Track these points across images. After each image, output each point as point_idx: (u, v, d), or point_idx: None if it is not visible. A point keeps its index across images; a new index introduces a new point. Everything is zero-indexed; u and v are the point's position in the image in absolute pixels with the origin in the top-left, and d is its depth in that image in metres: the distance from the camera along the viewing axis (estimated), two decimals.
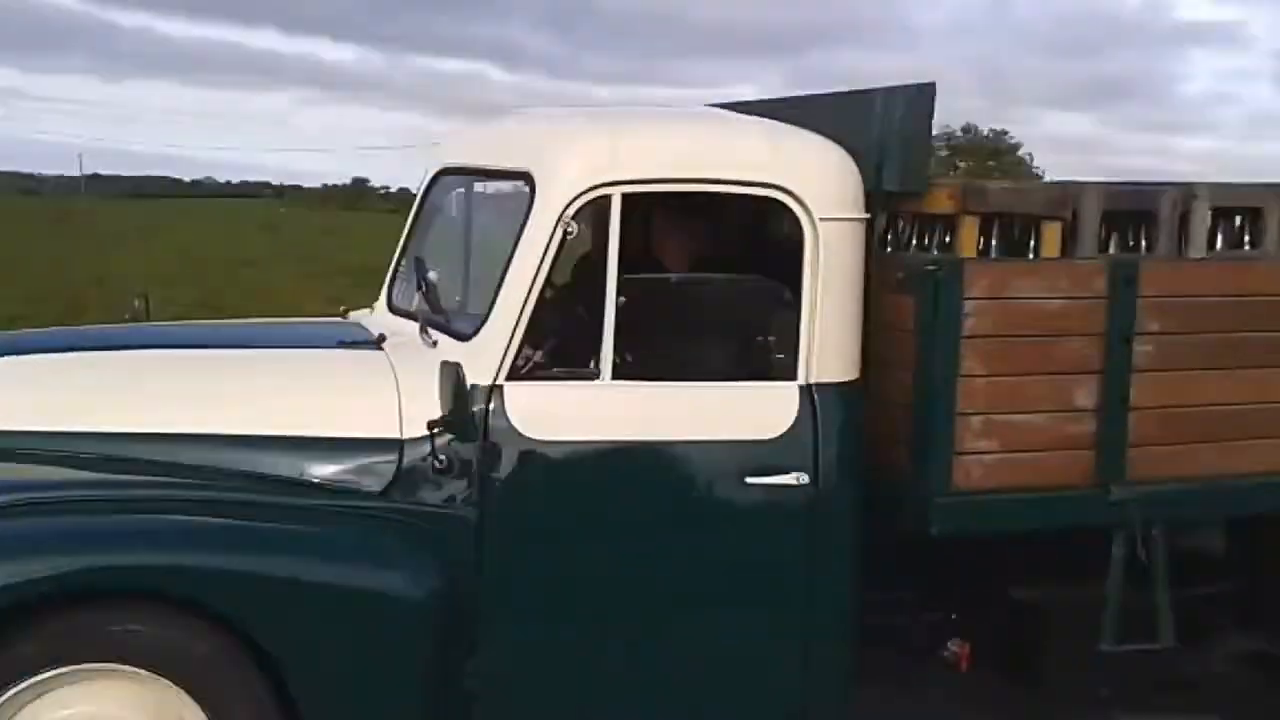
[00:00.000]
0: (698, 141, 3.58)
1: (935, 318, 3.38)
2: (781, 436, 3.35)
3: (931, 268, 3.42)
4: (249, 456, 3.23)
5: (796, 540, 3.40)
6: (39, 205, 52.32)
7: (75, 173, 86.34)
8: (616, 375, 3.27)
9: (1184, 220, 3.86)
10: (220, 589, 2.96)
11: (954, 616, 3.97)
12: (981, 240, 3.71)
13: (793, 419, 3.35)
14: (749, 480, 3.32)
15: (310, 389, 3.41)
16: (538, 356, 3.28)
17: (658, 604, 3.38)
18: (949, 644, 3.91)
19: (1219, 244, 3.96)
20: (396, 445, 3.22)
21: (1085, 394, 3.54)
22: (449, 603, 3.14)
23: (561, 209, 3.25)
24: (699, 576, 3.39)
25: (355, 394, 3.36)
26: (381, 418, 3.24)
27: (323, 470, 3.23)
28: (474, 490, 3.21)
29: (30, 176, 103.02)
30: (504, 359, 3.24)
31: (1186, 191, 3.88)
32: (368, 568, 3.13)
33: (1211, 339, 3.67)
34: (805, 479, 3.34)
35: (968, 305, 3.38)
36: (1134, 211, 3.87)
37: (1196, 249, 3.86)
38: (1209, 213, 3.87)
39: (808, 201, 3.37)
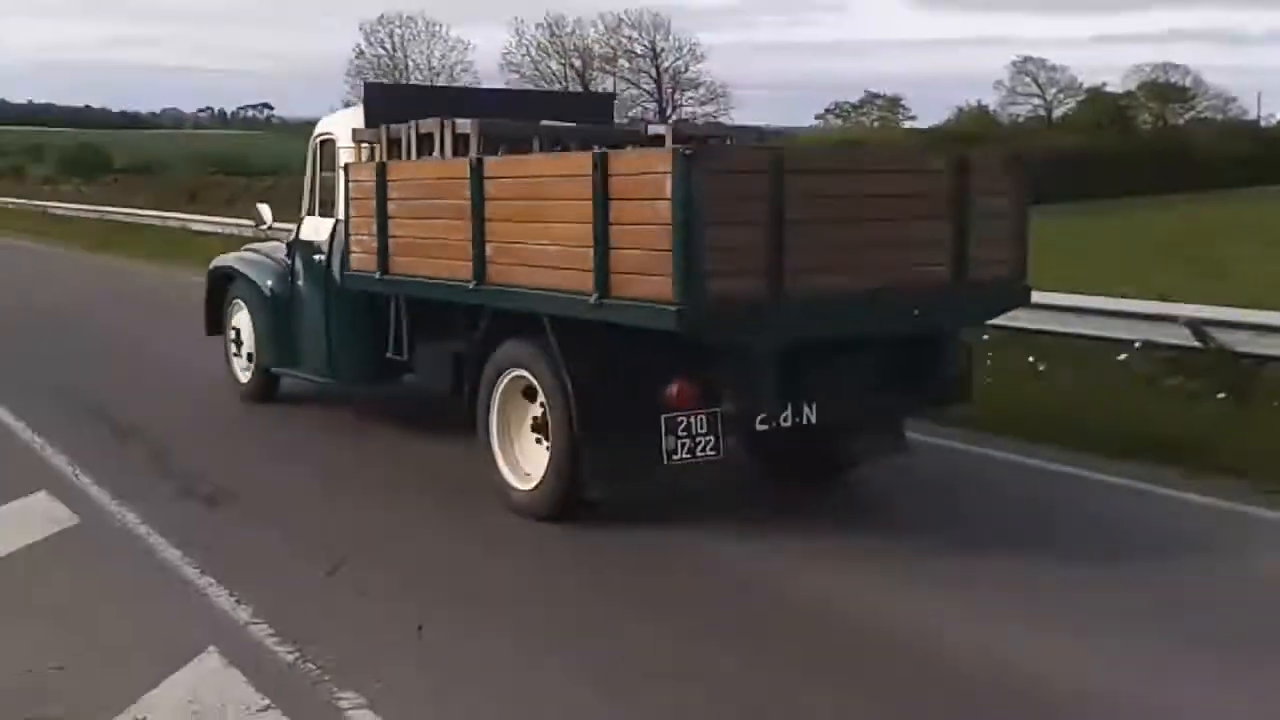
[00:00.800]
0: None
1: (339, 181, 8.39)
2: (325, 240, 8.69)
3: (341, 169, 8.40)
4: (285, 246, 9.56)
5: (324, 280, 8.70)
6: None
7: None
8: (322, 215, 8.92)
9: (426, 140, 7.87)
10: (251, 283, 9.68)
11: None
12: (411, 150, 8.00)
13: (329, 233, 8.64)
14: (314, 256, 8.87)
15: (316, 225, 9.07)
16: (315, 206, 9.07)
17: (340, 312, 8.62)
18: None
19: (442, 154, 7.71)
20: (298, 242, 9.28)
21: (376, 225, 7.74)
22: (287, 292, 9.33)
23: (311, 144, 9.19)
24: (314, 292, 8.94)
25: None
26: (317, 234, 8.92)
27: (291, 249, 9.39)
28: (294, 255, 9.27)
29: None
30: (303, 209, 9.24)
31: (420, 123, 7.89)
32: (270, 276, 9.55)
33: (440, 201, 7.23)
34: (321, 257, 8.73)
35: (352, 187, 8.09)
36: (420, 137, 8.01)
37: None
38: (415, 135, 7.92)
39: (335, 139, 8.79)
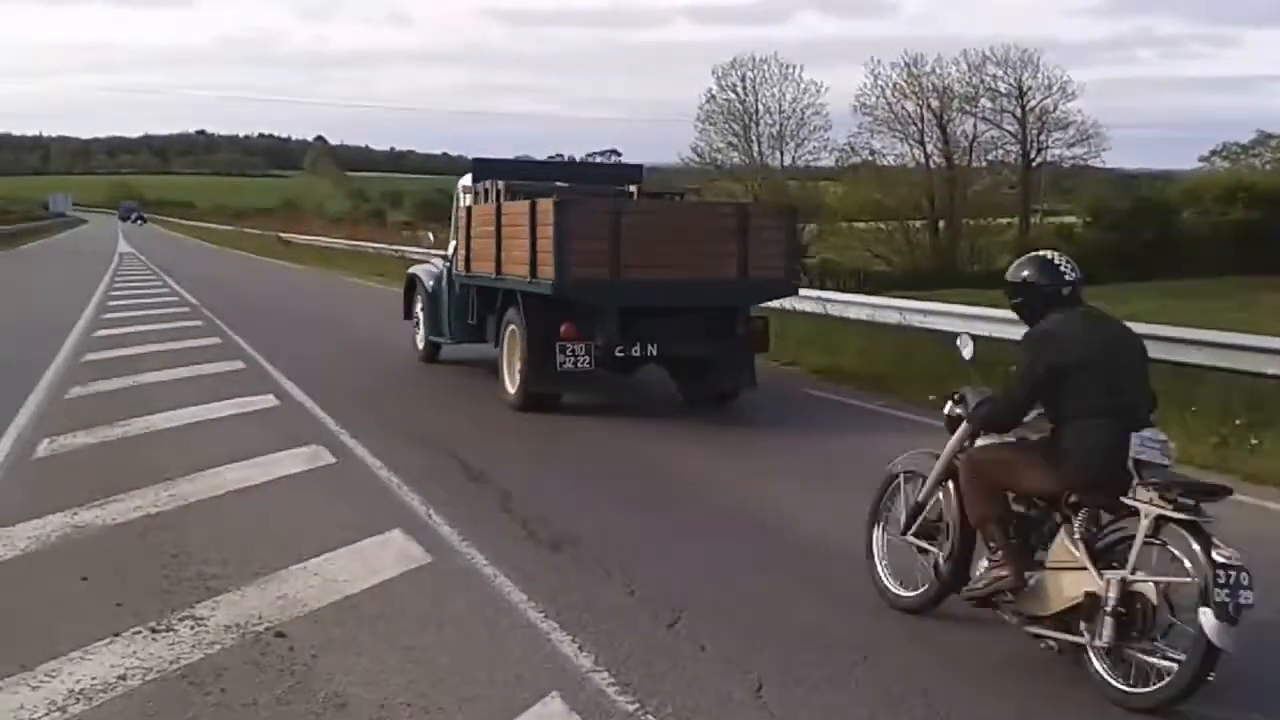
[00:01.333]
0: None
1: (458, 217, 14.74)
2: (448, 257, 15.20)
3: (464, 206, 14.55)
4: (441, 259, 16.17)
5: (448, 279, 14.98)
6: None
7: None
8: (455, 238, 14.71)
9: (489, 192, 13.73)
10: (422, 283, 16.14)
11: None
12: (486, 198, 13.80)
13: (451, 253, 14.87)
14: (446, 264, 15.38)
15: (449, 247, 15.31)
16: (453, 233, 14.97)
17: (456, 300, 14.71)
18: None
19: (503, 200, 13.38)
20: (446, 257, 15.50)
21: (465, 244, 13.99)
22: (439, 288, 15.44)
23: (455, 192, 15.55)
24: (445, 287, 15.18)
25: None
26: (451, 250, 14.96)
27: (443, 260, 15.84)
28: (444, 269, 15.47)
29: None
30: (450, 234, 15.35)
31: (485, 182, 13.96)
32: (431, 278, 15.93)
33: (488, 229, 13.07)
34: (448, 264, 15.23)
35: (461, 217, 14.49)
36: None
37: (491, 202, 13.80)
38: (484, 190, 14.04)
39: (458, 190, 15.12)
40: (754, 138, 61.93)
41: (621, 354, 11.74)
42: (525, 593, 6.26)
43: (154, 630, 5.64)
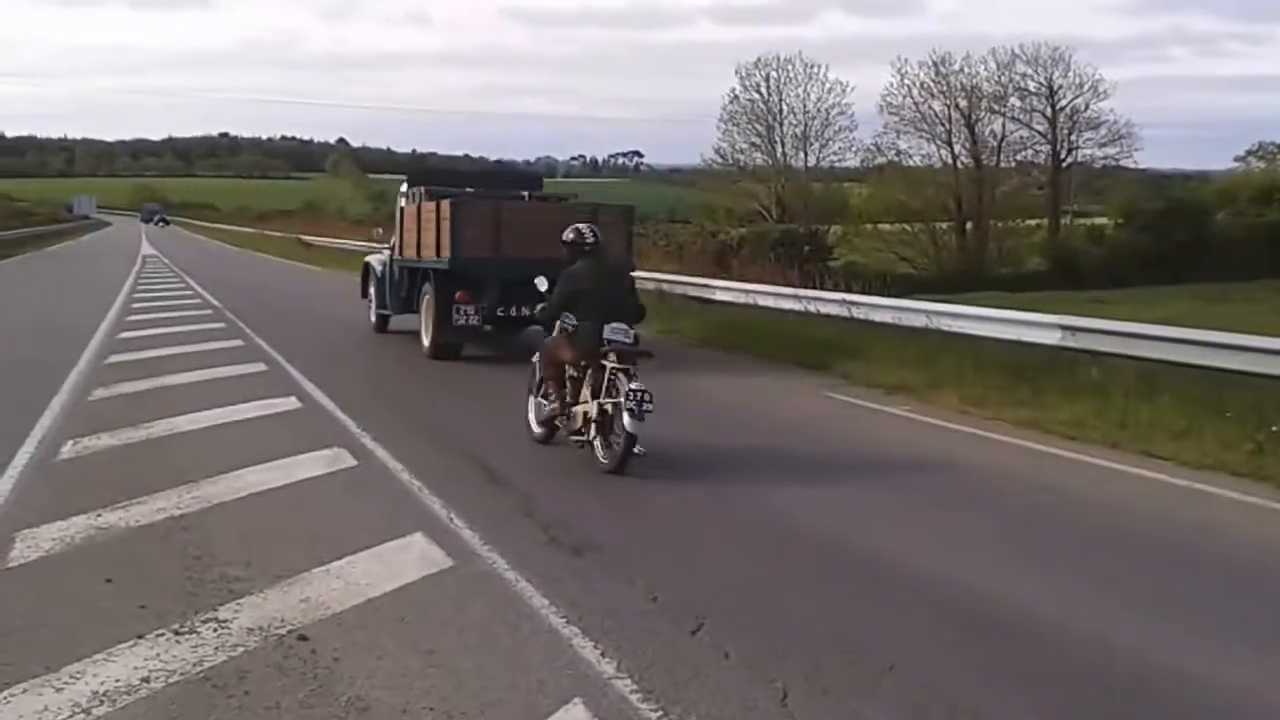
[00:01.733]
0: None
1: (398, 215, 19.51)
2: (391, 247, 20.00)
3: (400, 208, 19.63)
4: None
5: (391, 264, 19.86)
6: None
7: None
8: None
9: (417, 195, 18.91)
10: (373, 268, 21.30)
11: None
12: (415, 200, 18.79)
13: (392, 244, 19.83)
14: (390, 252, 20.02)
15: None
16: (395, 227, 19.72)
17: (394, 279, 19.52)
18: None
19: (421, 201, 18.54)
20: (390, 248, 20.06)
21: (399, 235, 19.21)
22: (385, 272, 20.17)
23: (398, 194, 20.13)
24: (389, 270, 20.05)
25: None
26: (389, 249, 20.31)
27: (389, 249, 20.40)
28: (388, 257, 20.16)
29: None
30: (392, 239, 19.87)
31: (412, 188, 19.31)
32: (380, 264, 20.69)
33: (413, 223, 18.05)
34: (390, 252, 20.11)
35: (399, 215, 19.67)
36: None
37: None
38: (412, 193, 19.21)
39: (399, 194, 19.89)
40: (778, 138, 61.98)
41: (502, 314, 16.35)
42: (547, 598, 6.28)
43: (177, 632, 5.69)
